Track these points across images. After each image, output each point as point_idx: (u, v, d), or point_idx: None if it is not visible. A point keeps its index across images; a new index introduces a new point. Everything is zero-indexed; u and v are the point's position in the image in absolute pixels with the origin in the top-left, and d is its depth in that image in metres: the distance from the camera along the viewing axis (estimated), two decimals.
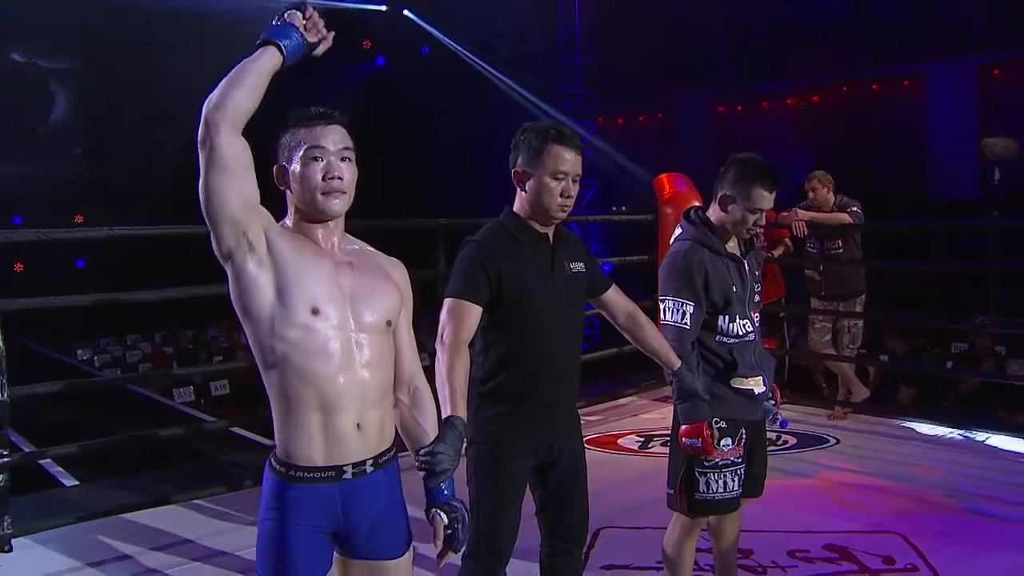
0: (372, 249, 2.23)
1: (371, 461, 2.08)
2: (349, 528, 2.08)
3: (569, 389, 2.75)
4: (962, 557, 3.78)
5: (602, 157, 15.61)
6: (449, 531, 2.13)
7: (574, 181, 2.63)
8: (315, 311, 1.99)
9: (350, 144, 2.09)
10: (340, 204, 2.06)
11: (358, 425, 2.04)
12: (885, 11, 14.50)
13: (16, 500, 4.04)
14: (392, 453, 2.15)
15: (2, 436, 3.92)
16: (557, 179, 2.60)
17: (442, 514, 2.14)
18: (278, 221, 2.10)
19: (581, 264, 2.76)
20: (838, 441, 5.58)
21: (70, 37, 16.77)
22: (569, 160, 2.61)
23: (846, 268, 6.23)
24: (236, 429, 6.82)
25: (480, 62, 17.57)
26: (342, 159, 2.06)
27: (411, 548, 2.19)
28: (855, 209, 6.09)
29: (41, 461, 5.63)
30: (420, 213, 6.52)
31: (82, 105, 17.14)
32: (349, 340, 2.04)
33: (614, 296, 2.91)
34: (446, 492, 2.16)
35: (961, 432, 5.65)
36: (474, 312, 2.57)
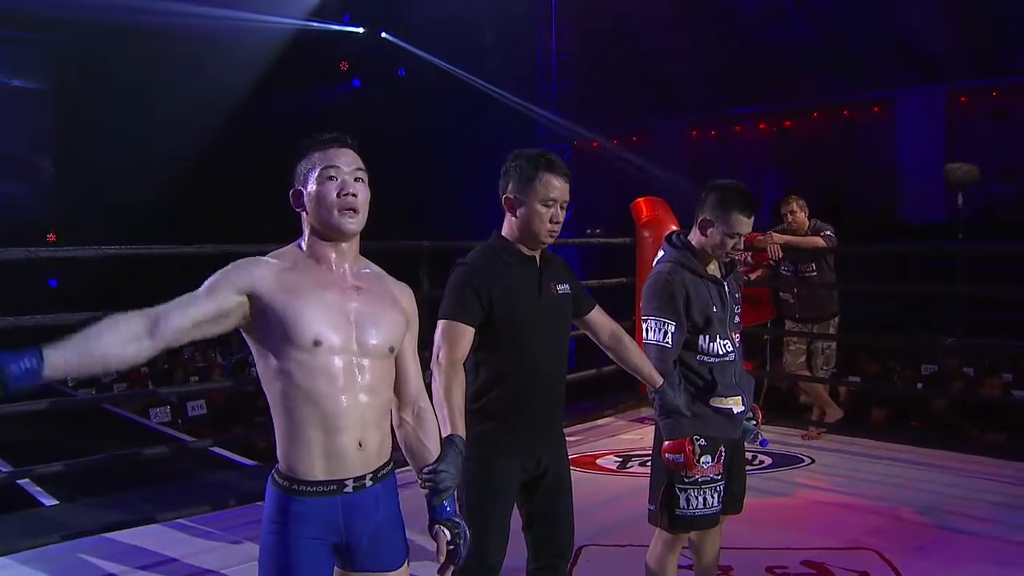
0: (384, 273, 2.30)
1: (370, 476, 2.14)
2: (350, 540, 2.13)
3: (556, 407, 2.84)
4: (936, 572, 3.88)
5: (577, 181, 15.67)
6: (451, 546, 2.20)
7: (562, 207, 2.74)
8: (317, 343, 2.05)
9: (363, 167, 2.18)
10: (354, 223, 2.13)
11: (359, 444, 2.11)
12: (855, 38, 14.77)
13: None
14: (389, 467, 2.21)
15: None
16: (547, 206, 2.70)
17: (445, 530, 2.21)
18: (293, 242, 2.17)
19: (566, 285, 2.85)
20: (813, 461, 5.68)
21: (42, 55, 16.71)
22: (559, 187, 2.71)
23: (820, 291, 6.34)
24: (216, 449, 6.82)
25: (455, 87, 17.67)
26: (356, 179, 2.15)
27: (407, 561, 2.25)
28: (828, 233, 6.20)
29: (20, 481, 5.59)
30: (401, 235, 6.57)
31: (53, 123, 17.04)
32: (351, 364, 2.10)
33: (598, 316, 3.01)
34: (448, 509, 2.23)
35: (932, 451, 5.76)
36: (468, 333, 2.64)
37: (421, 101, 18.32)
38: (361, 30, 18.45)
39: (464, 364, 2.71)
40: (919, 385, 8.21)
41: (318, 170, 2.13)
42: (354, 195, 2.12)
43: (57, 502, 5.60)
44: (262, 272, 2.08)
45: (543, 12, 15.69)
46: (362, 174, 2.17)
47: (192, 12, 15.01)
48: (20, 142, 16.98)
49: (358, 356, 2.11)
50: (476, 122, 16.93)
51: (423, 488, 2.25)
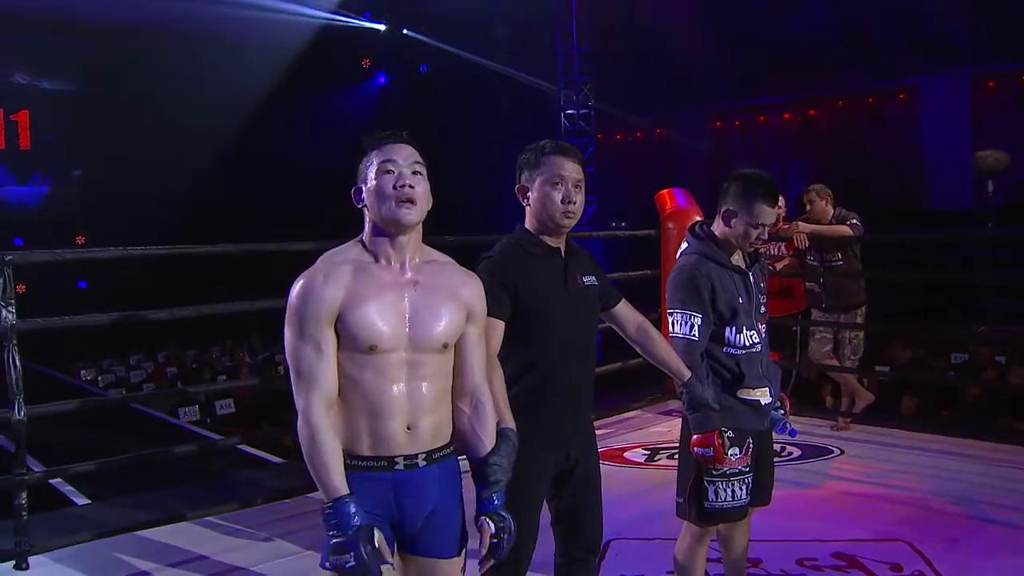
0: (451, 262, 2.33)
1: (423, 456, 2.18)
2: (403, 520, 2.18)
3: (584, 400, 2.81)
4: (969, 563, 3.84)
5: (601, 173, 15.69)
6: (495, 540, 2.21)
7: (576, 187, 2.69)
8: (373, 347, 2.12)
9: (421, 160, 2.22)
10: (412, 214, 2.17)
11: (408, 427, 2.15)
12: (877, 25, 14.63)
13: (31, 518, 4.07)
14: (449, 451, 2.25)
15: (19, 455, 3.97)
16: (555, 185, 2.67)
17: (491, 522, 2.22)
18: (355, 237, 2.24)
19: (592, 278, 2.82)
20: (843, 451, 5.63)
21: (70, 58, 16.87)
22: (567, 166, 2.68)
23: (846, 280, 6.29)
24: (244, 447, 6.87)
25: (477, 82, 17.68)
26: (413, 172, 2.18)
27: (464, 552, 2.27)
28: (854, 221, 6.15)
29: (53, 481, 5.66)
30: (427, 230, 6.56)
31: (82, 126, 17.20)
32: (402, 359, 2.15)
33: (624, 309, 2.98)
34: (496, 502, 2.25)
35: (963, 441, 5.70)
36: (499, 327, 2.63)
37: (443, 97, 18.34)
38: (383, 27, 18.49)
39: None
40: (950, 374, 8.13)
41: (376, 164, 2.19)
42: (411, 187, 2.16)
43: (89, 501, 5.67)
44: (332, 293, 2.13)
45: (564, 5, 15.65)
46: (420, 167, 2.21)
47: (214, 14, 15.12)
48: (49, 144, 17.15)
49: (410, 352, 2.16)
50: (498, 116, 16.94)
51: (475, 480, 2.27)
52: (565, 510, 2.81)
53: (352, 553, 1.99)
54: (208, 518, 4.56)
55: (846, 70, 15.27)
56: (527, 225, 2.78)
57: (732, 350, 3.04)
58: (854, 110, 16.16)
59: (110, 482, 5.56)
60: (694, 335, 2.98)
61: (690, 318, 2.99)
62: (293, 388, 2.13)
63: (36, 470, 5.79)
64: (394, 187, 2.15)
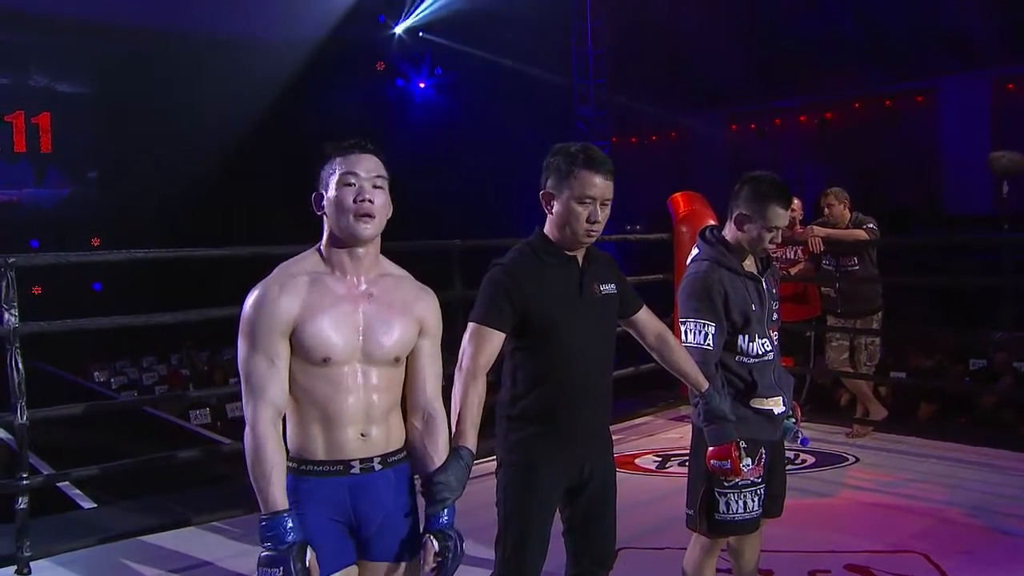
0: (408, 277, 2.32)
1: (379, 459, 2.19)
2: (359, 523, 2.18)
3: (600, 411, 2.73)
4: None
5: (616, 177, 15.59)
6: (439, 558, 2.18)
7: (603, 205, 2.59)
8: (326, 359, 2.13)
9: (383, 173, 2.20)
10: (370, 229, 2.16)
11: (362, 434, 2.17)
12: (895, 26, 14.50)
13: (35, 522, 4.05)
14: (402, 455, 2.25)
15: (22, 459, 3.94)
16: (584, 204, 2.57)
17: (434, 541, 2.19)
18: (314, 245, 2.23)
19: (612, 285, 2.73)
20: (857, 459, 5.54)
21: (87, 61, 16.95)
22: (598, 185, 2.58)
23: (862, 285, 6.20)
24: None
25: (492, 84, 17.65)
26: (374, 186, 2.17)
27: (419, 558, 2.24)
28: (871, 226, 6.07)
29: (59, 484, 5.64)
30: (445, 234, 6.49)
31: (99, 129, 17.27)
32: (356, 370, 2.17)
33: (645, 317, 2.89)
34: (443, 520, 2.22)
35: (981, 449, 5.60)
36: (496, 338, 2.55)
37: (457, 100, 18.31)
38: (398, 30, 18.50)
39: (502, 368, 2.67)
40: (967, 380, 8.02)
41: (337, 175, 2.17)
42: (371, 201, 2.16)
43: (95, 505, 5.64)
44: (288, 306, 2.13)
45: (579, 7, 15.59)
46: (381, 181, 2.20)
47: (229, 17, 15.16)
48: (66, 146, 17.23)
49: (363, 364, 2.17)
50: (514, 119, 16.88)
51: (422, 495, 2.24)
52: (577, 521, 2.74)
53: (281, 568, 2.00)
54: (214, 523, 4.54)
55: (864, 71, 15.13)
56: (547, 231, 2.67)
57: (744, 358, 2.97)
58: (872, 112, 16.04)
59: (117, 486, 5.54)
60: (708, 344, 2.91)
61: (704, 327, 2.92)
62: (243, 397, 2.13)
63: (46, 472, 5.81)
64: (354, 200, 2.14)
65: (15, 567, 3.90)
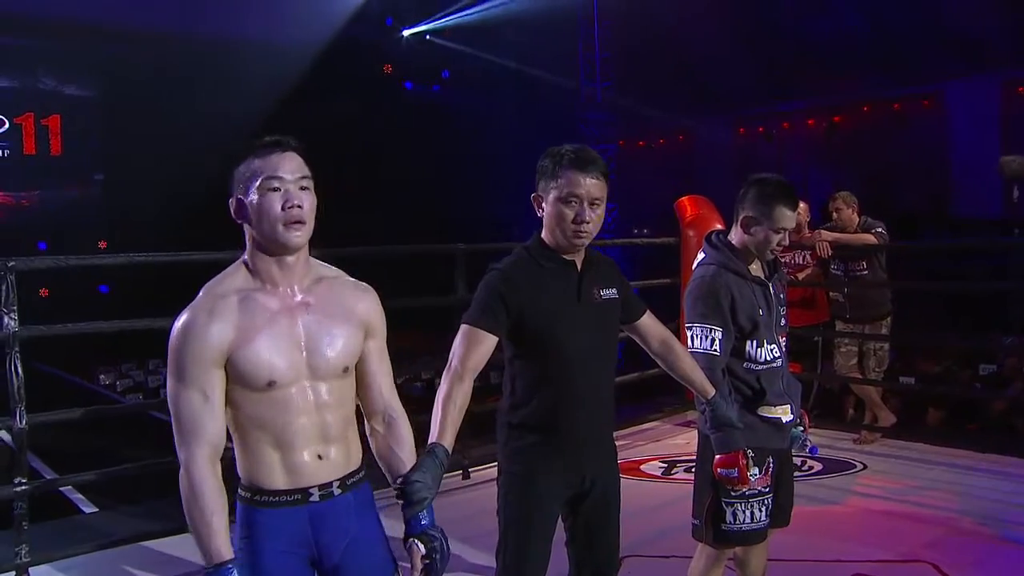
0: (343, 277, 2.18)
1: (338, 483, 2.07)
2: (322, 553, 2.06)
3: (601, 418, 2.67)
4: None
5: (622, 180, 15.58)
6: (427, 561, 2.07)
7: (591, 205, 2.52)
8: (271, 383, 1.98)
9: (308, 172, 2.04)
10: (300, 236, 2.01)
11: (319, 456, 2.04)
12: (903, 29, 14.41)
13: (35, 527, 4.01)
14: (361, 475, 2.13)
15: (20, 464, 3.90)
16: (569, 204, 2.51)
17: (419, 544, 2.08)
18: (238, 258, 2.08)
19: (613, 290, 2.67)
20: (865, 466, 5.48)
21: (94, 65, 16.98)
22: (583, 184, 2.51)
23: (871, 290, 6.15)
24: None
25: (499, 87, 17.62)
26: (301, 188, 2.01)
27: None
28: (880, 230, 6.01)
29: (61, 488, 5.61)
30: (446, 238, 6.46)
31: (105, 131, 17.30)
32: (304, 389, 2.02)
33: (648, 322, 2.83)
34: (424, 522, 2.10)
35: (992, 456, 5.53)
36: (487, 340, 2.50)
37: (464, 103, 18.29)
38: (405, 33, 18.50)
39: (501, 376, 2.62)
40: (977, 386, 7.95)
41: (260, 179, 1.99)
42: (300, 206, 1.99)
43: (96, 509, 5.61)
44: (218, 332, 1.96)
45: (586, 10, 15.55)
46: (307, 182, 2.03)
47: (235, 19, 15.16)
48: (72, 149, 17.26)
49: (311, 380, 2.03)
50: (520, 122, 16.86)
51: (397, 499, 2.12)
52: (579, 531, 2.69)
53: None
54: None
55: (872, 74, 15.04)
56: (543, 235, 2.63)
57: (752, 365, 2.92)
58: (880, 115, 15.94)
59: (118, 490, 5.50)
60: (715, 350, 2.86)
61: (710, 332, 2.87)
62: (175, 437, 1.96)
63: (48, 475, 5.78)
64: (282, 208, 1.97)
65: (13, 573, 3.86)
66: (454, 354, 2.49)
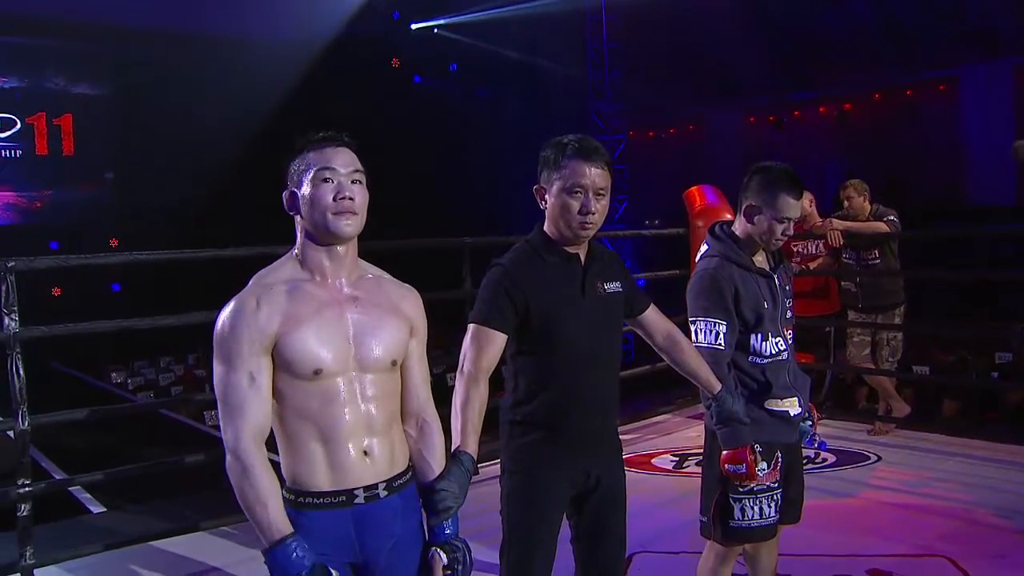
0: (385, 276, 2.18)
1: (384, 484, 2.03)
2: (367, 558, 2.03)
3: (606, 415, 2.62)
4: None
5: (632, 171, 15.50)
6: (449, 571, 2.06)
7: (597, 196, 2.47)
8: (317, 372, 1.97)
9: (360, 167, 2.06)
10: (351, 226, 2.02)
11: (364, 452, 2.01)
12: (915, 15, 14.28)
13: (42, 528, 4.00)
14: (408, 477, 2.10)
15: (23, 465, 3.88)
16: (574, 195, 2.46)
17: (442, 553, 2.07)
18: (286, 252, 2.09)
19: (617, 284, 2.62)
20: (879, 458, 5.40)
21: (105, 64, 17.02)
22: (588, 174, 2.45)
23: (884, 279, 6.07)
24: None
25: (508, 80, 17.55)
26: (353, 181, 2.03)
27: None
28: (891, 218, 5.93)
29: (69, 488, 5.59)
30: (455, 231, 6.42)
31: (115, 130, 17.33)
32: (351, 381, 2.01)
33: (653, 316, 2.78)
34: (448, 531, 2.10)
35: (1009, 447, 5.45)
36: (498, 340, 2.46)
37: (473, 96, 18.24)
38: (414, 27, 18.46)
39: (503, 371, 2.56)
40: (994, 375, 7.86)
41: (313, 171, 2.02)
42: (351, 198, 2.01)
43: (104, 509, 5.60)
44: (267, 318, 1.97)
45: (594, 1, 15.45)
46: (360, 176, 2.05)
47: (243, 17, 15.17)
48: (83, 149, 17.31)
49: (358, 372, 2.02)
50: (529, 114, 16.79)
51: (423, 507, 2.12)
52: (584, 531, 2.64)
53: None
54: (223, 528, 4.47)
55: (883, 62, 14.90)
56: (546, 228, 2.58)
57: (757, 359, 2.87)
58: (892, 103, 15.80)
59: (126, 489, 5.50)
60: (720, 344, 2.81)
61: (715, 326, 2.81)
62: (220, 421, 1.96)
63: (56, 475, 5.78)
64: (334, 198, 1.99)
65: (19, 575, 3.84)
66: (465, 356, 2.45)
